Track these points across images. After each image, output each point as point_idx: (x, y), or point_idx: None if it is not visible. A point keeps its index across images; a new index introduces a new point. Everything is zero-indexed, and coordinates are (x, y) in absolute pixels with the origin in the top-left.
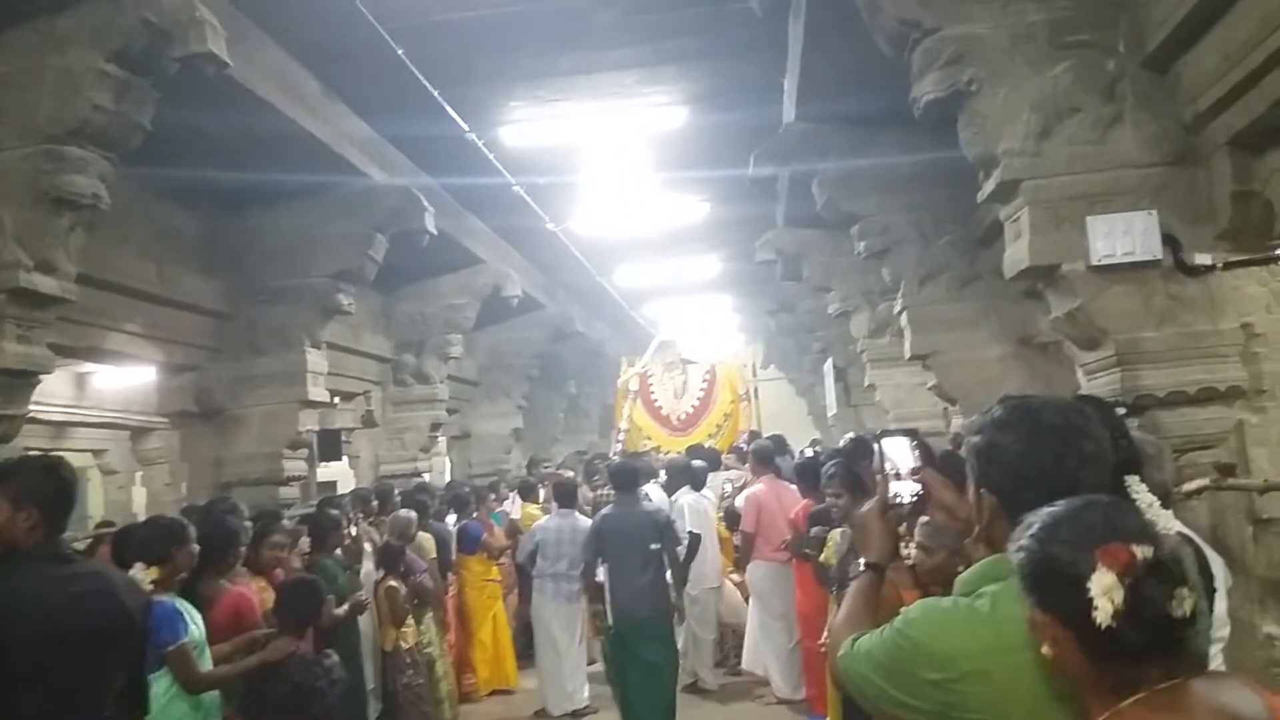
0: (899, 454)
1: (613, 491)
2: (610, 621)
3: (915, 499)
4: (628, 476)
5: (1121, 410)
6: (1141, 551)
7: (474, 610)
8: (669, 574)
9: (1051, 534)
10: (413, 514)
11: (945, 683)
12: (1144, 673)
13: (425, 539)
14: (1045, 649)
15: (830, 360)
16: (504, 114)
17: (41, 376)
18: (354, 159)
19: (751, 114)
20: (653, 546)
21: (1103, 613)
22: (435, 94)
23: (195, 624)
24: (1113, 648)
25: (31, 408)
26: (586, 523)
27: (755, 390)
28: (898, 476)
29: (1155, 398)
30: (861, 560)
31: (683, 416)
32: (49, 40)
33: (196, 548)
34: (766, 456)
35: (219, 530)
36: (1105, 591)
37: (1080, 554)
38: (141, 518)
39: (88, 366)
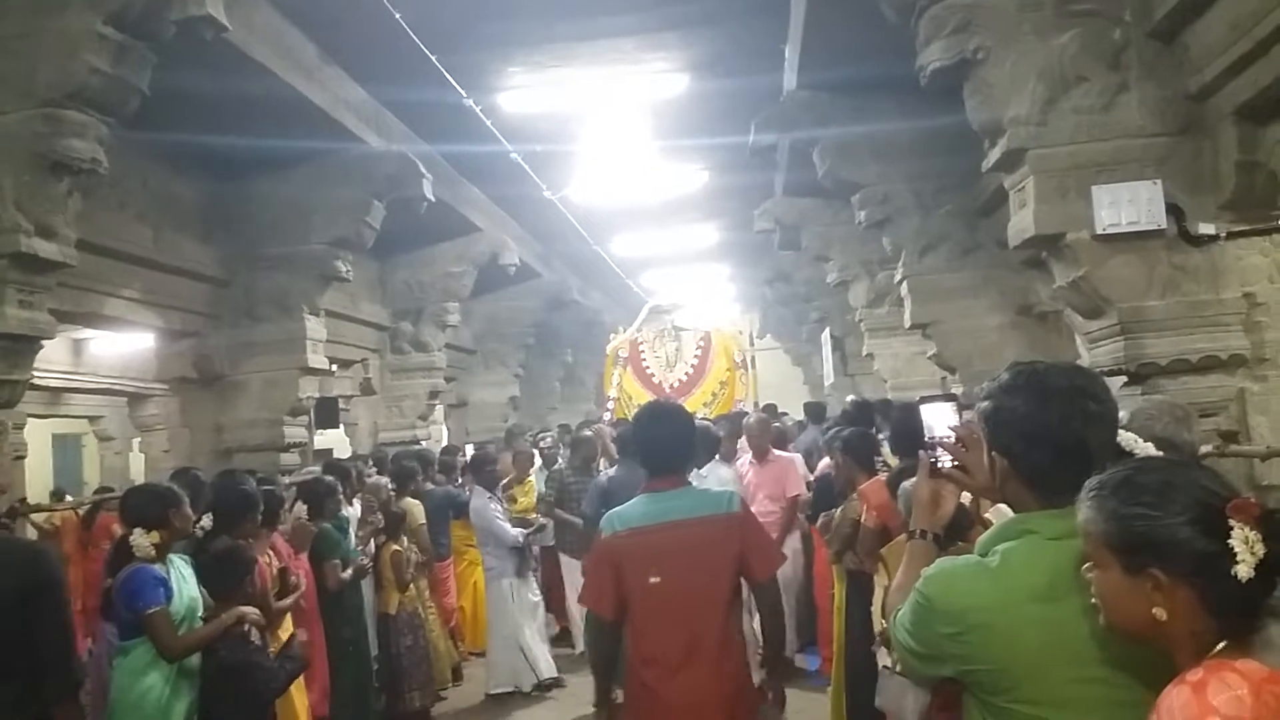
0: (941, 420)
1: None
2: None
3: (956, 464)
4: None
5: (1123, 380)
6: (1258, 502)
7: (457, 576)
8: None
9: (1169, 500)
10: (385, 479)
11: (956, 636)
12: (1251, 621)
13: (414, 505)
14: (1158, 612)
15: (828, 330)
16: (502, 80)
17: (43, 342)
18: (351, 125)
19: (752, 82)
20: None
21: (1245, 565)
22: (434, 59)
23: (185, 591)
24: (1240, 600)
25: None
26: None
27: (752, 359)
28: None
29: (1158, 366)
30: (913, 529)
31: (676, 384)
32: (46, 2)
33: (190, 511)
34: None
35: (235, 497)
36: (1248, 545)
37: (1209, 514)
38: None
39: (85, 332)
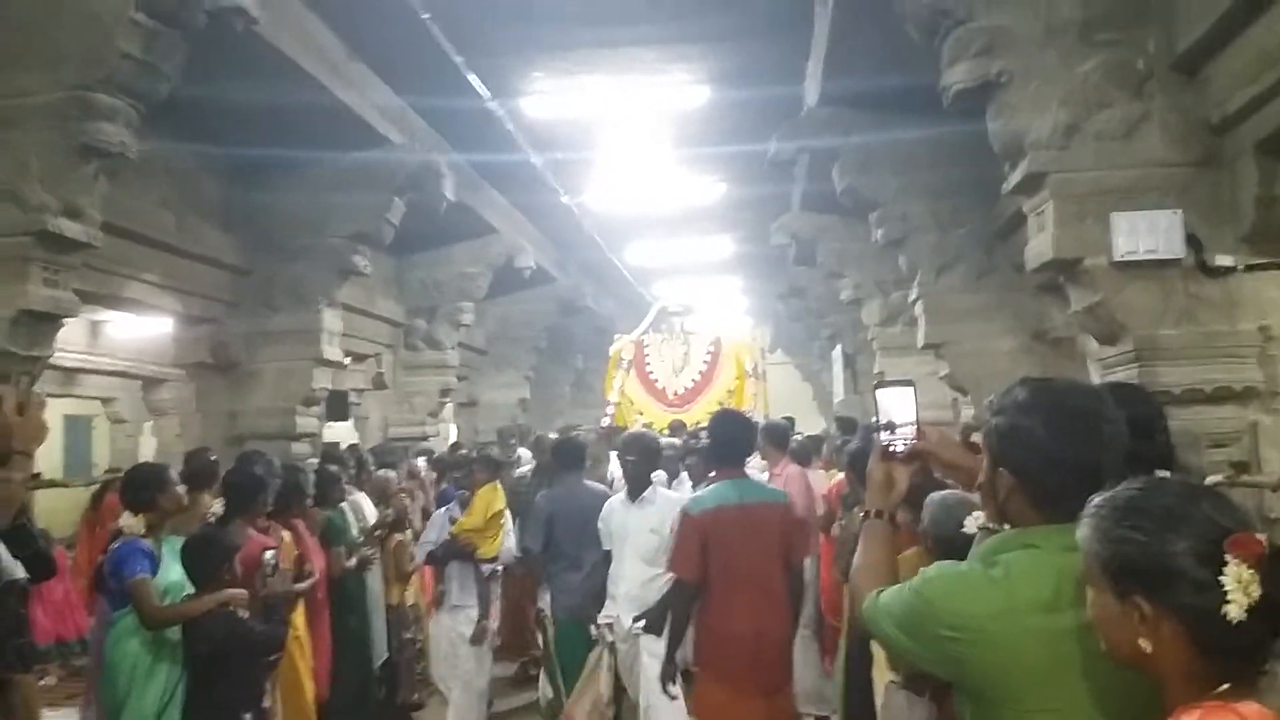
0: (896, 404)
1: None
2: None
3: (908, 447)
4: (572, 453)
5: None
6: (1264, 541)
7: None
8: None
9: (1167, 527)
10: (391, 474)
11: (957, 640)
12: (1252, 663)
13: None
14: (1143, 644)
15: (839, 347)
16: (526, 84)
17: (65, 320)
18: (375, 123)
19: (773, 94)
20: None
21: (1237, 606)
22: (458, 61)
23: (172, 570)
24: (1232, 641)
25: None
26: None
27: (763, 372)
28: (891, 427)
29: (1171, 395)
30: (868, 509)
31: (680, 391)
32: None
33: (182, 489)
34: (782, 439)
35: (246, 479)
36: (1242, 585)
37: (1208, 547)
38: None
39: (102, 314)
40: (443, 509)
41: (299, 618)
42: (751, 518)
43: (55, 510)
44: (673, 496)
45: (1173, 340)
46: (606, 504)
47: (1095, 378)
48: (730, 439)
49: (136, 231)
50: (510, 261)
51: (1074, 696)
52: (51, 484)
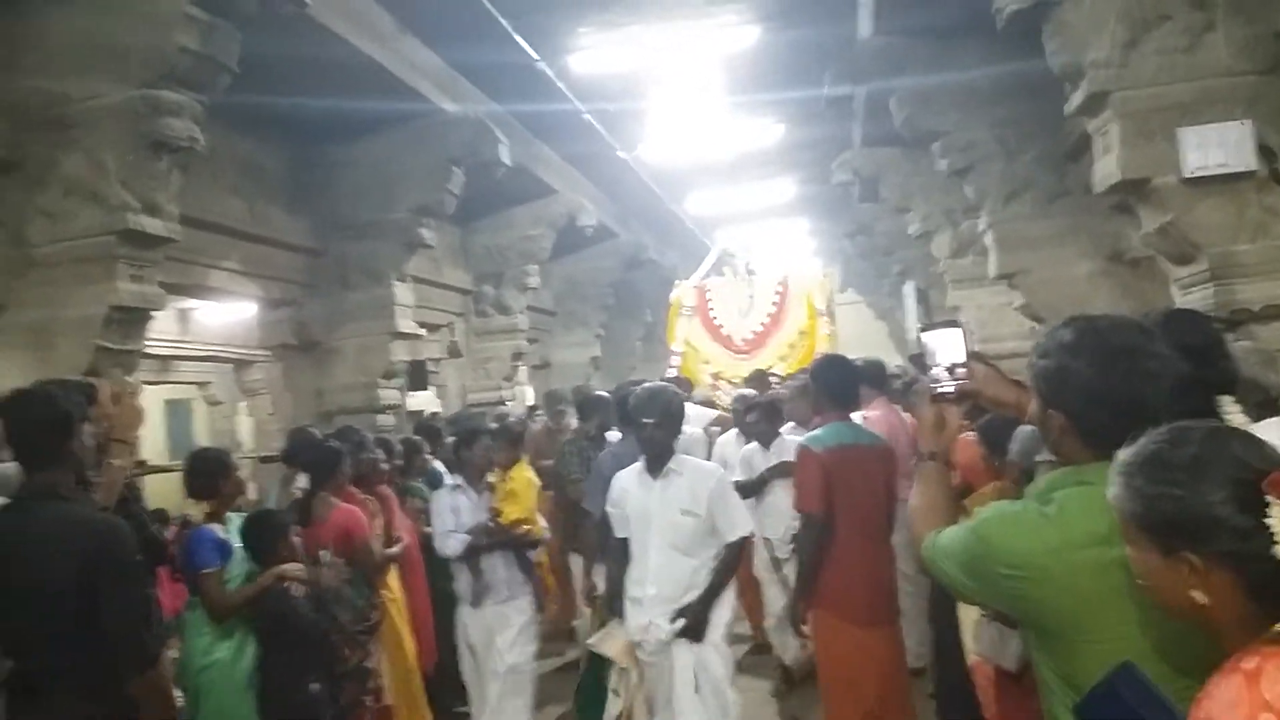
0: (944, 345)
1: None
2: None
3: (958, 388)
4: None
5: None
6: None
7: None
8: None
9: (1200, 477)
10: None
11: (1014, 577)
12: None
13: None
14: (1196, 595)
15: (911, 282)
16: (573, 41)
17: (154, 313)
18: (426, 91)
19: (825, 30)
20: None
21: None
22: (504, 23)
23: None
24: None
25: None
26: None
27: (833, 312)
28: (950, 369)
29: (1250, 311)
30: (921, 452)
31: (748, 336)
32: None
33: (245, 474)
34: (878, 379)
35: (321, 453)
36: None
37: (1245, 490)
38: (247, 445)
39: (190, 302)
40: (444, 490)
41: (393, 580)
42: (863, 457)
43: (162, 493)
44: (705, 466)
45: (1248, 255)
46: (615, 480)
47: (1177, 298)
48: (837, 383)
49: (212, 221)
50: (572, 221)
51: (1132, 625)
52: (157, 469)
